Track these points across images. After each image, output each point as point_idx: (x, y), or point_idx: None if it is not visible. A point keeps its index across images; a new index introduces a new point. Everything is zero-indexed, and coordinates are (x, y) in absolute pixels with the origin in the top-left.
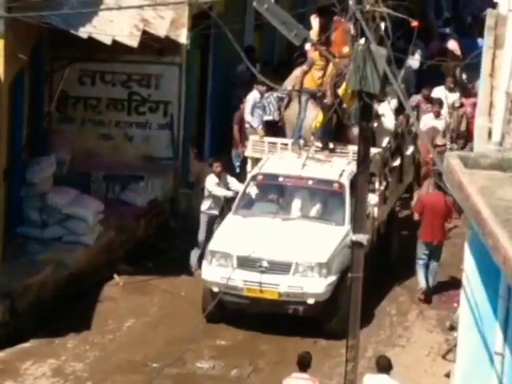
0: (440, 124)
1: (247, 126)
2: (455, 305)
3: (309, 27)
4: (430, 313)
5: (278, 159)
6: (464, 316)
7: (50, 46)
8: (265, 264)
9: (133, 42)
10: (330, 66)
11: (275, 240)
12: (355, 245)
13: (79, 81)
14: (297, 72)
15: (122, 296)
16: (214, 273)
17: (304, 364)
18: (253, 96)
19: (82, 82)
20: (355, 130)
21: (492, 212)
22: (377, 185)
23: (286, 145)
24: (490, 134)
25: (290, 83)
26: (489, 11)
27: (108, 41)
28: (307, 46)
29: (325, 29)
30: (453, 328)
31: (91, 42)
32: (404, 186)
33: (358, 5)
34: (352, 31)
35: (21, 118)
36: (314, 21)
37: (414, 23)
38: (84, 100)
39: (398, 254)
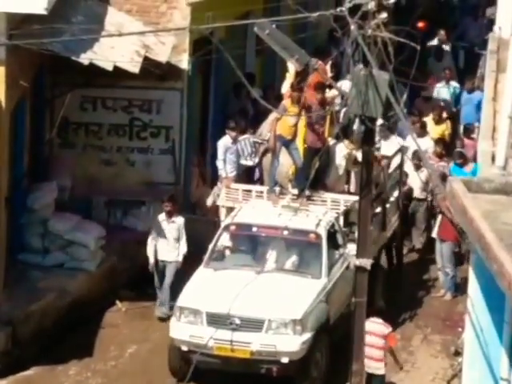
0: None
1: (220, 172)
2: (460, 330)
3: (309, 52)
4: (434, 338)
5: (252, 208)
6: (469, 341)
7: (51, 73)
8: (236, 321)
9: (134, 67)
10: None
11: (248, 295)
12: (359, 269)
13: (80, 107)
14: (272, 117)
15: (125, 322)
16: (182, 330)
17: (380, 311)
18: (223, 141)
19: (83, 108)
20: (333, 177)
21: (496, 236)
22: (357, 234)
23: (261, 193)
24: (493, 159)
25: (266, 128)
26: (491, 35)
27: (109, 67)
28: (283, 90)
29: (301, 73)
30: (458, 353)
31: (92, 68)
32: (388, 234)
33: (360, 30)
34: (329, 73)
35: (22, 144)
36: (291, 65)
37: (421, 24)
38: (85, 126)
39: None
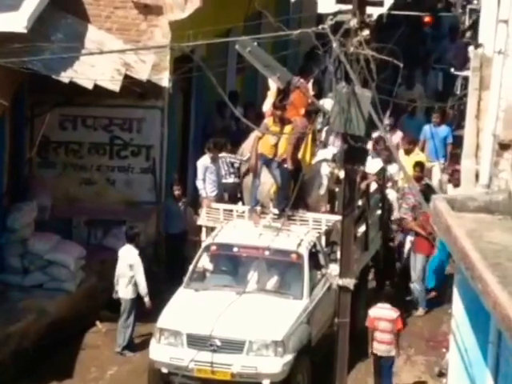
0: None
1: (200, 192)
2: (444, 350)
3: (292, 70)
4: (418, 358)
5: (233, 228)
6: (453, 362)
7: (31, 91)
8: (217, 342)
9: (114, 86)
10: (286, 129)
11: (228, 316)
12: (342, 289)
13: (60, 125)
14: (253, 135)
15: (105, 343)
16: (162, 352)
17: (388, 297)
18: (202, 161)
19: (63, 127)
20: (315, 196)
21: (481, 255)
22: (339, 254)
23: (242, 212)
24: (477, 177)
25: (247, 147)
26: (473, 52)
27: (89, 85)
28: (264, 108)
29: (283, 91)
30: (442, 374)
31: (73, 86)
32: (370, 254)
33: (342, 47)
34: (311, 91)
35: (1, 163)
36: (273, 83)
37: (427, 18)
38: (65, 145)
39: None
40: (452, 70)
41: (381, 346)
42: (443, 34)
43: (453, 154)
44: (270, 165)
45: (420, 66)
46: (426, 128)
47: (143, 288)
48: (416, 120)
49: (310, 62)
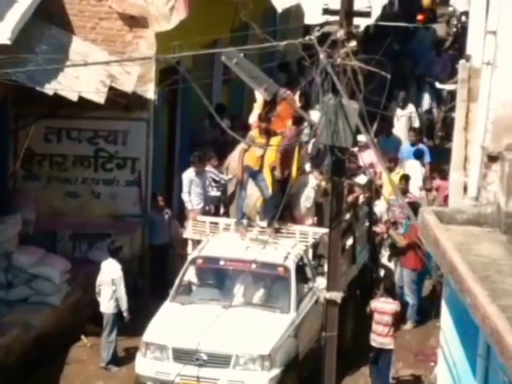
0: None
1: (186, 205)
2: (432, 364)
3: (278, 82)
4: (406, 372)
5: (219, 241)
6: (442, 376)
7: (14, 104)
8: (203, 356)
9: (99, 98)
10: (273, 141)
11: (215, 330)
12: (329, 303)
13: (45, 138)
14: (239, 148)
15: (90, 358)
16: (148, 366)
17: (390, 290)
18: (187, 174)
19: (47, 139)
20: (302, 209)
21: (469, 269)
22: (325, 267)
23: (228, 225)
24: (465, 189)
25: (233, 159)
26: (461, 64)
27: (74, 97)
28: (251, 120)
29: (269, 103)
30: None
31: (57, 98)
32: (358, 267)
33: (329, 58)
34: (298, 103)
35: None
36: (259, 94)
37: (420, 17)
38: (50, 157)
39: (352, 341)
40: (437, 83)
41: (381, 338)
42: (425, 48)
43: (430, 173)
44: (255, 177)
45: (414, 83)
46: (404, 147)
47: (124, 303)
48: (392, 139)
49: (282, 74)
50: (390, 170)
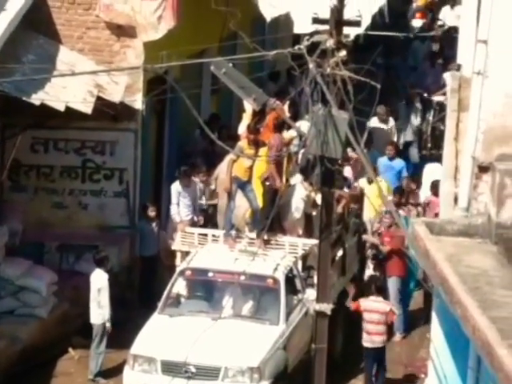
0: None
1: (173, 217)
2: (423, 376)
3: (268, 92)
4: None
5: (208, 252)
6: None
7: (1, 114)
8: (192, 369)
9: (87, 108)
10: (262, 151)
11: (204, 342)
12: (319, 315)
13: (32, 148)
14: (228, 158)
15: (78, 370)
16: (136, 379)
17: (381, 289)
18: (175, 186)
19: (34, 150)
20: (292, 220)
21: (460, 280)
22: (315, 279)
23: (217, 237)
24: (455, 200)
25: (222, 169)
26: (452, 73)
27: (61, 107)
28: (240, 131)
29: (258, 113)
30: None
31: (44, 108)
32: (347, 278)
33: (319, 68)
34: (287, 113)
35: None
36: (248, 104)
37: (418, 15)
38: (37, 168)
39: (342, 353)
40: (425, 95)
41: (373, 337)
42: (419, 59)
43: (408, 187)
44: (244, 188)
45: (403, 98)
46: (381, 161)
47: (107, 313)
48: (371, 153)
49: (272, 84)
50: (370, 181)
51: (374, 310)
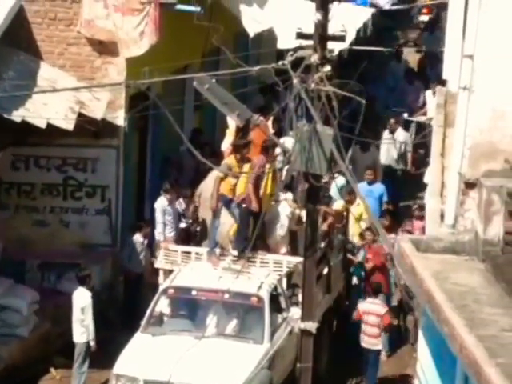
0: None
1: (157, 237)
2: None
3: (251, 108)
4: None
5: (191, 270)
6: None
7: None
8: None
9: (68, 125)
10: (245, 167)
11: (187, 361)
12: (304, 333)
13: (12, 166)
14: (212, 175)
15: None
16: None
17: (377, 291)
18: (160, 203)
19: (15, 167)
20: (276, 237)
21: (447, 297)
22: (300, 297)
23: (200, 254)
24: (442, 217)
25: (206, 187)
26: (438, 89)
27: (42, 124)
28: (223, 147)
29: (242, 129)
30: None
31: (25, 125)
32: (332, 296)
33: (303, 83)
34: (271, 129)
35: None
36: (231, 120)
37: (425, 10)
38: (17, 186)
39: (327, 372)
40: (405, 115)
41: (369, 339)
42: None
43: (389, 213)
44: (229, 205)
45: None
46: (360, 186)
47: (91, 332)
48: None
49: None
50: (350, 202)
51: (371, 311)
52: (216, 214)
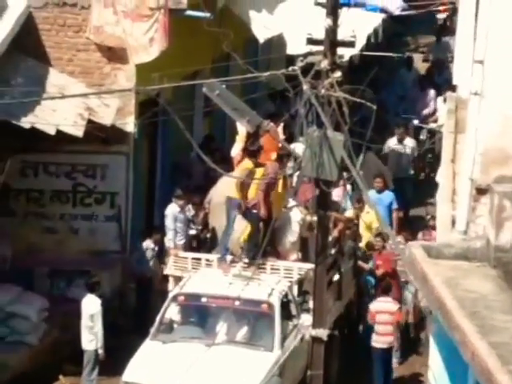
0: None
1: (167, 243)
2: None
3: (261, 114)
4: None
5: (201, 277)
6: None
7: None
8: None
9: (77, 131)
10: (257, 172)
11: (197, 369)
12: (315, 340)
13: (21, 172)
14: (223, 181)
15: None
16: None
17: (387, 289)
18: (171, 210)
19: (24, 174)
20: (287, 244)
21: (458, 304)
22: (311, 304)
23: (210, 261)
24: (453, 223)
25: (216, 193)
26: (448, 95)
27: (51, 131)
28: (233, 153)
29: (252, 135)
30: None
31: (34, 132)
32: (343, 303)
33: (313, 89)
34: (281, 135)
35: None
36: (241, 126)
37: (442, 8)
38: (26, 192)
39: (338, 379)
40: (416, 122)
41: (383, 338)
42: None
43: (399, 220)
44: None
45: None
46: (369, 194)
47: (100, 339)
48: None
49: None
50: (360, 210)
51: (383, 310)
52: (230, 220)
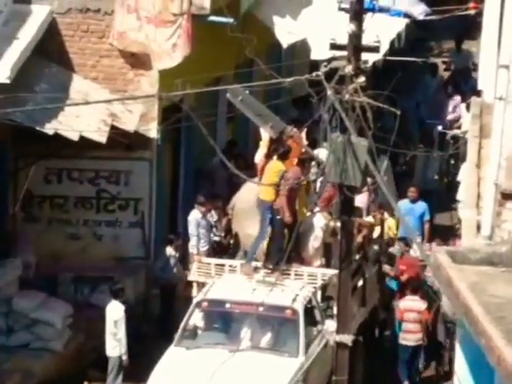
0: None
1: (190, 249)
2: None
3: (284, 119)
4: None
5: (225, 283)
6: None
7: (14, 144)
8: None
9: (101, 137)
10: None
11: (221, 375)
12: (339, 346)
13: (45, 179)
14: (247, 187)
15: None
16: None
17: (416, 288)
18: (193, 216)
19: (47, 180)
20: (310, 249)
21: (484, 310)
22: (335, 309)
23: (234, 267)
24: (478, 228)
25: (239, 199)
26: (473, 99)
27: (75, 137)
28: (256, 159)
29: (275, 141)
30: None
31: (57, 138)
32: (368, 309)
33: (337, 94)
34: (305, 141)
35: None
36: (265, 132)
37: (473, 4)
38: (50, 199)
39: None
40: (440, 127)
41: (411, 335)
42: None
43: (430, 232)
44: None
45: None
46: (401, 203)
47: (123, 346)
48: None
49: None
50: (382, 215)
51: (412, 308)
52: (264, 224)
